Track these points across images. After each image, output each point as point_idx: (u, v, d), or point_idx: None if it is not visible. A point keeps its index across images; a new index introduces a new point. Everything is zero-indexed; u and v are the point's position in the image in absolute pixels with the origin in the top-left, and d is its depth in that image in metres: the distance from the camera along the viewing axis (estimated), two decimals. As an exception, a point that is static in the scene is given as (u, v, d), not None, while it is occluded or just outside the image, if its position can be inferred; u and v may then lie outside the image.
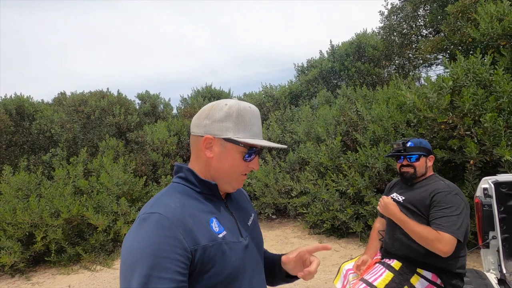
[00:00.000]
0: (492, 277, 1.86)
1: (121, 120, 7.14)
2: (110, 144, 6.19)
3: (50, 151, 6.40)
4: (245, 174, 0.85)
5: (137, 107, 8.42)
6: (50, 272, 4.40)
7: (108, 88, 8.44)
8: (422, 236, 1.55)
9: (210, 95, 9.63)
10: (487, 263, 1.97)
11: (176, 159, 6.21)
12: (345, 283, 1.85)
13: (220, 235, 0.76)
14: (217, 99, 9.92)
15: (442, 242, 1.51)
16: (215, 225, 0.77)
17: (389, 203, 1.70)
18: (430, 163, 1.81)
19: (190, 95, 10.03)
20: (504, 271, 1.84)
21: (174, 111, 9.42)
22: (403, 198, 1.76)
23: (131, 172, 5.27)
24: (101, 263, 4.45)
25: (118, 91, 8.28)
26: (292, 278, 0.97)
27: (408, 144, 1.79)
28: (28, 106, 7.34)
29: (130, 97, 8.90)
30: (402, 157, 1.80)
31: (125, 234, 4.88)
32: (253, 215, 0.96)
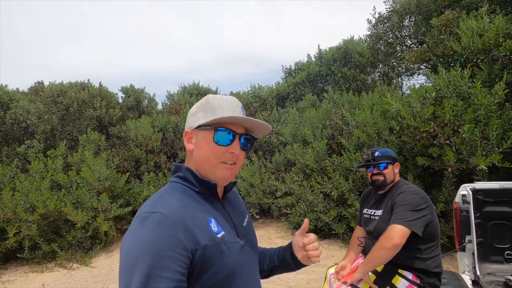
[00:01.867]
0: (467, 279, 1.97)
1: (102, 114, 6.90)
2: (91, 138, 5.98)
3: (25, 142, 6.08)
4: (233, 164, 0.82)
5: (120, 100, 8.18)
6: (22, 269, 4.19)
7: (89, 80, 8.14)
8: (379, 254, 1.60)
9: (197, 92, 9.52)
10: (462, 265, 2.09)
11: (160, 156, 6.10)
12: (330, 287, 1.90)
13: (219, 235, 0.77)
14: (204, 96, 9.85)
15: (393, 233, 1.58)
16: (213, 225, 0.78)
17: (356, 277, 1.68)
18: (396, 170, 1.92)
19: (176, 92, 9.87)
20: (478, 273, 1.95)
21: (159, 106, 9.23)
22: (381, 211, 1.86)
23: (114, 168, 5.11)
24: (78, 261, 4.30)
25: (100, 83, 8.01)
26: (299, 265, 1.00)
27: (376, 154, 1.89)
28: (2, 94, 6.95)
29: (113, 90, 8.60)
30: (372, 166, 1.89)
31: (104, 231, 4.75)
32: (247, 216, 0.97)
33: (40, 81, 9.23)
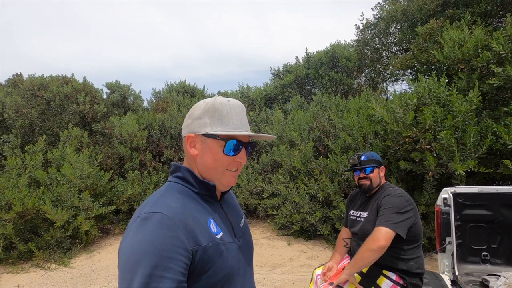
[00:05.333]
0: (447, 279, 2.06)
1: (86, 109, 6.69)
2: (73, 134, 5.78)
3: (1, 137, 5.80)
4: (236, 170, 0.84)
5: (104, 96, 7.96)
6: (-5, 270, 4.00)
7: (72, 74, 7.86)
8: (366, 256, 1.64)
9: (184, 90, 9.40)
10: (442, 266, 2.18)
11: (145, 154, 5.98)
12: None
13: (218, 236, 0.78)
14: (191, 95, 9.61)
15: (379, 235, 1.63)
16: (213, 226, 0.78)
17: (342, 279, 1.72)
18: (382, 173, 1.98)
19: (163, 89, 9.71)
20: (457, 273, 2.04)
21: (145, 103, 9.07)
22: (367, 213, 1.91)
23: (97, 165, 4.97)
24: (56, 262, 4.14)
25: (84, 77, 7.75)
26: None
27: (362, 158, 1.95)
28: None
29: (96, 85, 8.28)
30: (358, 170, 1.95)
31: (85, 231, 4.60)
32: (244, 217, 0.98)
33: (19, 73, 8.85)
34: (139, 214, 0.72)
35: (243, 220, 0.95)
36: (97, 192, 4.82)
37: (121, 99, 7.96)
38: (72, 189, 4.47)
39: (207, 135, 0.80)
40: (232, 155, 0.82)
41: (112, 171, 5.20)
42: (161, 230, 0.67)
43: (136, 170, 5.54)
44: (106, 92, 8.17)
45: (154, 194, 0.80)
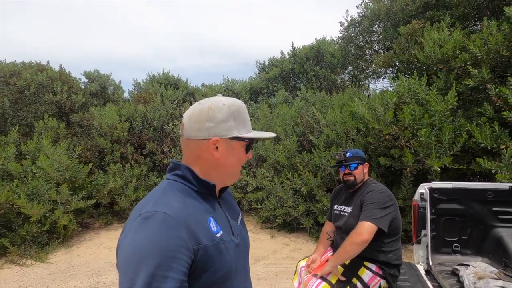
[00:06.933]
0: (421, 269, 2.19)
1: (63, 99, 6.40)
2: (49, 124, 5.53)
3: (-31, 126, 5.47)
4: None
5: (82, 86, 7.64)
6: (-35, 267, 3.80)
7: (48, 62, 7.47)
8: (349, 249, 1.72)
9: (167, 81, 9.17)
10: (417, 257, 2.31)
11: (127, 146, 5.83)
12: (300, 280, 1.99)
13: (218, 235, 0.78)
14: (174, 87, 9.35)
15: (362, 229, 1.72)
16: (213, 225, 0.79)
17: (326, 270, 1.79)
18: (366, 170, 2.06)
19: (144, 80, 9.43)
20: (431, 263, 2.18)
21: (126, 94, 8.78)
22: (351, 208, 1.98)
23: (76, 157, 4.79)
24: (32, 257, 4.00)
25: (61, 66, 7.38)
26: None
27: (348, 155, 2.01)
28: None
29: (73, 74, 7.84)
30: (343, 167, 2.01)
31: (64, 225, 4.44)
32: (240, 214, 0.99)
33: (-12, 58, 8.29)
34: (140, 212, 0.71)
35: (239, 217, 0.96)
36: (76, 185, 4.67)
37: (101, 89, 7.67)
38: (49, 182, 4.30)
39: (235, 138, 0.83)
40: (247, 154, 0.89)
41: (92, 164, 5.04)
42: (165, 230, 0.67)
43: (117, 163, 5.40)
44: (84, 82, 7.84)
45: (154, 192, 0.79)
